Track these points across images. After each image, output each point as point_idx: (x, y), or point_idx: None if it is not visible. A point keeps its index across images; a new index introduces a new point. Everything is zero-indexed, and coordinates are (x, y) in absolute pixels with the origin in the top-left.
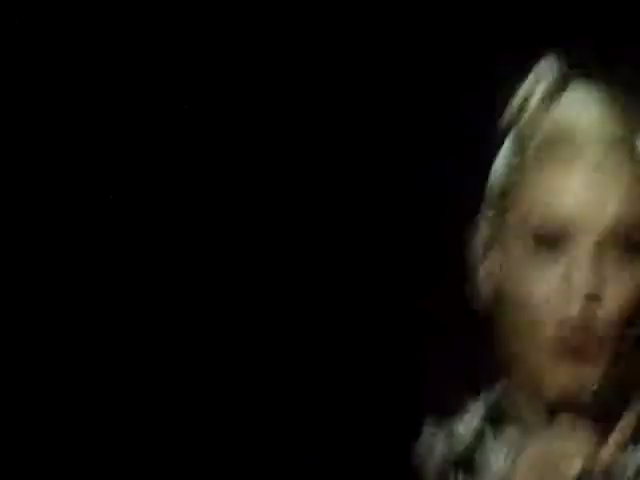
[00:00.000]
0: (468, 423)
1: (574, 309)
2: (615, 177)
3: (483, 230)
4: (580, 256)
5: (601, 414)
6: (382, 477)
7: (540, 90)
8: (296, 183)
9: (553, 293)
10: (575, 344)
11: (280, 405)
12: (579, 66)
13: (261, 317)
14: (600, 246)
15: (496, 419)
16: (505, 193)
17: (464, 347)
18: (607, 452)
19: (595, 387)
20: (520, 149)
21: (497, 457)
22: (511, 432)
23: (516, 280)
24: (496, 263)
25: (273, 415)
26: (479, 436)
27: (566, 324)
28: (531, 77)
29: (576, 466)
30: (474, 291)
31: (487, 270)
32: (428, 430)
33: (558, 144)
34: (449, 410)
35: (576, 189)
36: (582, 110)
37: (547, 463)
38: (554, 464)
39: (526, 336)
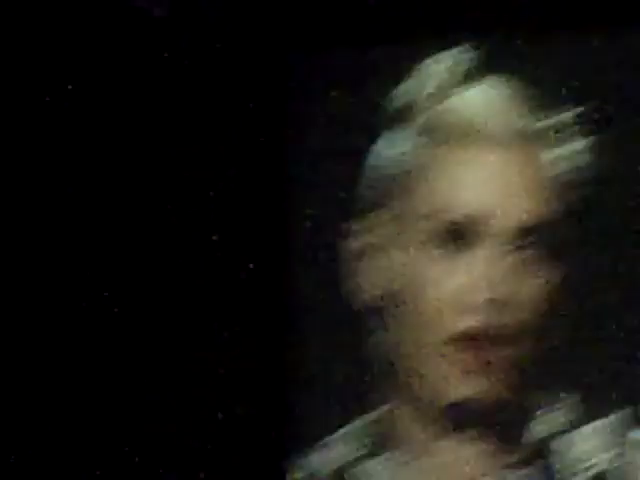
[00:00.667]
0: (344, 445)
1: (477, 316)
2: (520, 177)
3: (362, 232)
4: (485, 258)
5: (502, 427)
6: None
7: (432, 84)
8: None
9: (454, 296)
10: (477, 352)
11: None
12: (488, 60)
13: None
14: (506, 247)
15: (376, 441)
16: (400, 190)
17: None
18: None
19: (497, 397)
20: (417, 145)
21: (377, 476)
22: (392, 453)
23: (412, 279)
24: (383, 263)
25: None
26: (356, 457)
27: (468, 332)
28: (422, 71)
29: None
30: (355, 293)
31: (372, 270)
32: (304, 451)
33: (463, 141)
34: (325, 432)
35: (481, 188)
36: (488, 107)
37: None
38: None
39: (422, 341)
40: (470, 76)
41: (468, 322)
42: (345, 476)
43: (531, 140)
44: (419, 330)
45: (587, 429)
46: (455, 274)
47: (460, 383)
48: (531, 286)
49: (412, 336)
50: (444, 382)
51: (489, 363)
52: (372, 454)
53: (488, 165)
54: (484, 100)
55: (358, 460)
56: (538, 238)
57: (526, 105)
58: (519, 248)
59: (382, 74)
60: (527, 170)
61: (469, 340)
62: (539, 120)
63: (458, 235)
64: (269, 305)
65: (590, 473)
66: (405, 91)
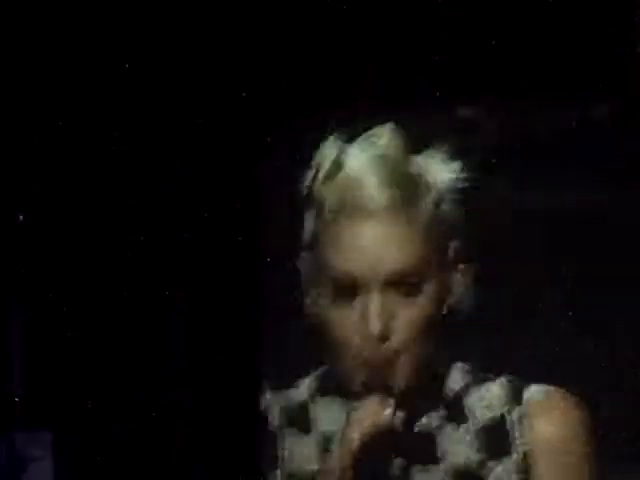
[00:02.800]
0: (302, 391)
1: (370, 348)
2: (392, 236)
3: (303, 269)
4: (369, 303)
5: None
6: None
7: (328, 159)
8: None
9: (353, 333)
10: (377, 370)
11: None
12: (367, 131)
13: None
14: (383, 293)
15: (324, 391)
16: (312, 247)
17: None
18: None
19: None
20: (317, 211)
21: (323, 419)
22: (336, 401)
23: (325, 318)
24: (315, 298)
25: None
26: (310, 401)
27: (367, 357)
28: (322, 147)
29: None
30: (306, 313)
31: (310, 302)
32: (268, 394)
33: (347, 207)
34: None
35: (361, 248)
36: (368, 176)
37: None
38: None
39: (340, 357)
40: (348, 152)
41: (364, 349)
42: (309, 407)
43: (406, 205)
44: (338, 350)
45: (487, 385)
46: (352, 317)
47: (374, 379)
48: (412, 309)
49: (335, 352)
50: (363, 377)
51: (394, 367)
52: (322, 395)
53: (362, 232)
54: (367, 172)
55: (313, 398)
56: (407, 278)
57: (404, 171)
58: (393, 290)
59: None
60: (396, 229)
61: (373, 357)
62: (415, 186)
63: (348, 287)
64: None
65: (491, 417)
66: (308, 175)
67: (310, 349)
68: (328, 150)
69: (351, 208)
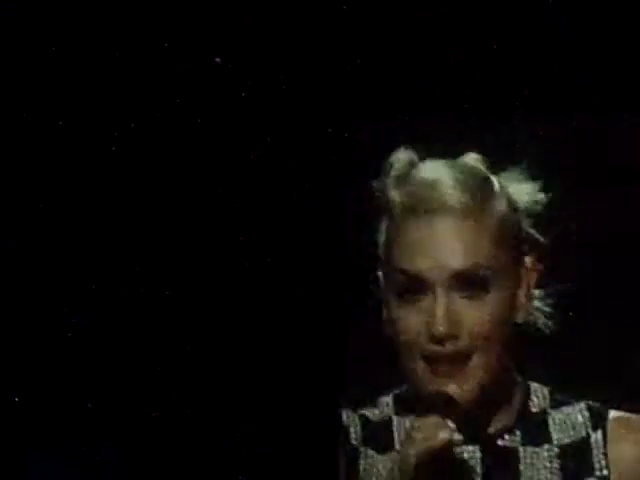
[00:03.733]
0: (381, 410)
1: (436, 345)
2: (459, 235)
3: (379, 274)
4: (435, 302)
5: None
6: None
7: (401, 160)
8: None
9: (419, 333)
10: (444, 372)
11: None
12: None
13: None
14: (450, 292)
15: (403, 409)
16: (385, 250)
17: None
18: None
19: (467, 400)
20: (388, 212)
21: (406, 437)
22: (410, 422)
23: (393, 320)
24: (388, 302)
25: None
26: (387, 422)
27: (433, 352)
28: (396, 152)
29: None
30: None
31: (386, 313)
32: (348, 411)
33: (416, 207)
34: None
35: (427, 245)
36: (439, 177)
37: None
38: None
39: (408, 361)
40: (419, 159)
41: (431, 348)
42: (393, 423)
43: (471, 209)
44: (405, 353)
45: (568, 408)
46: (417, 315)
47: (438, 383)
48: (478, 312)
49: (404, 356)
50: (427, 381)
51: (457, 371)
52: (401, 414)
53: (430, 230)
54: (435, 177)
55: (392, 417)
56: (473, 278)
57: (469, 180)
58: (459, 289)
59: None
60: (464, 229)
61: (437, 357)
62: (480, 192)
63: (415, 286)
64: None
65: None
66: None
67: (392, 365)
68: (402, 154)
69: (420, 207)
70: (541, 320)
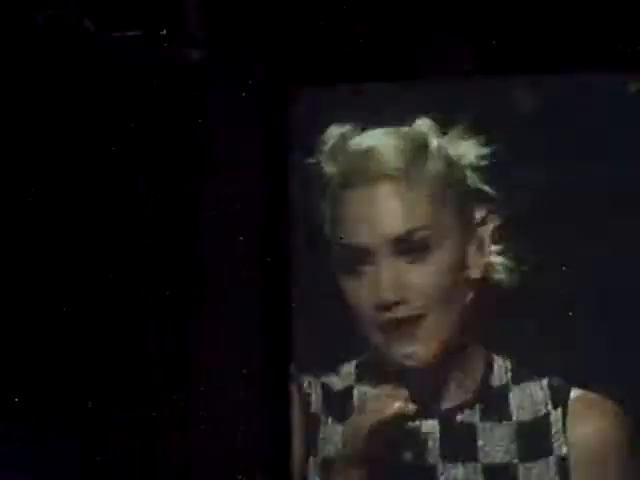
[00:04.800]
0: (342, 378)
1: (386, 312)
2: (395, 201)
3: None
4: (379, 270)
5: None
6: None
7: (330, 140)
8: None
9: (368, 301)
10: (400, 337)
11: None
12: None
13: None
14: (394, 259)
15: (363, 379)
16: (328, 228)
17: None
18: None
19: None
20: (326, 187)
21: (360, 406)
22: (371, 388)
23: (343, 290)
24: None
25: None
26: (348, 391)
27: (385, 320)
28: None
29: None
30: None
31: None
32: (308, 381)
33: (351, 178)
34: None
35: (365, 215)
36: (371, 145)
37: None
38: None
39: (362, 330)
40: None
41: (383, 316)
42: (353, 392)
43: (406, 175)
44: (359, 319)
45: (527, 384)
46: (365, 285)
47: (395, 347)
48: (422, 274)
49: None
50: (385, 346)
51: (412, 334)
52: (361, 383)
53: (366, 199)
54: (371, 144)
55: (353, 385)
56: (415, 241)
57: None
58: (402, 254)
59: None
60: (399, 194)
61: (389, 324)
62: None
63: (359, 258)
64: None
65: (533, 417)
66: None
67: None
68: (335, 129)
69: (355, 178)
70: (501, 275)
